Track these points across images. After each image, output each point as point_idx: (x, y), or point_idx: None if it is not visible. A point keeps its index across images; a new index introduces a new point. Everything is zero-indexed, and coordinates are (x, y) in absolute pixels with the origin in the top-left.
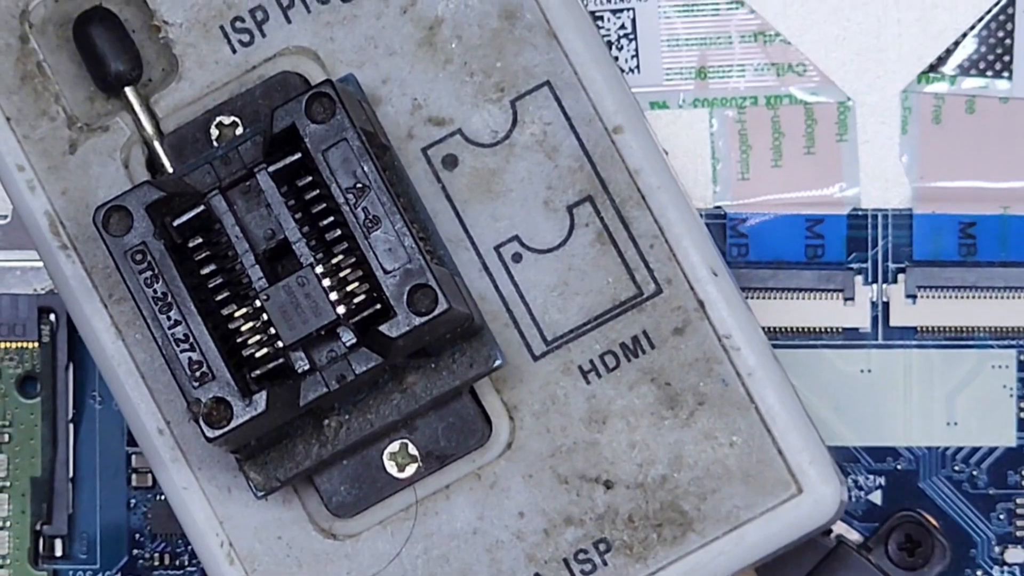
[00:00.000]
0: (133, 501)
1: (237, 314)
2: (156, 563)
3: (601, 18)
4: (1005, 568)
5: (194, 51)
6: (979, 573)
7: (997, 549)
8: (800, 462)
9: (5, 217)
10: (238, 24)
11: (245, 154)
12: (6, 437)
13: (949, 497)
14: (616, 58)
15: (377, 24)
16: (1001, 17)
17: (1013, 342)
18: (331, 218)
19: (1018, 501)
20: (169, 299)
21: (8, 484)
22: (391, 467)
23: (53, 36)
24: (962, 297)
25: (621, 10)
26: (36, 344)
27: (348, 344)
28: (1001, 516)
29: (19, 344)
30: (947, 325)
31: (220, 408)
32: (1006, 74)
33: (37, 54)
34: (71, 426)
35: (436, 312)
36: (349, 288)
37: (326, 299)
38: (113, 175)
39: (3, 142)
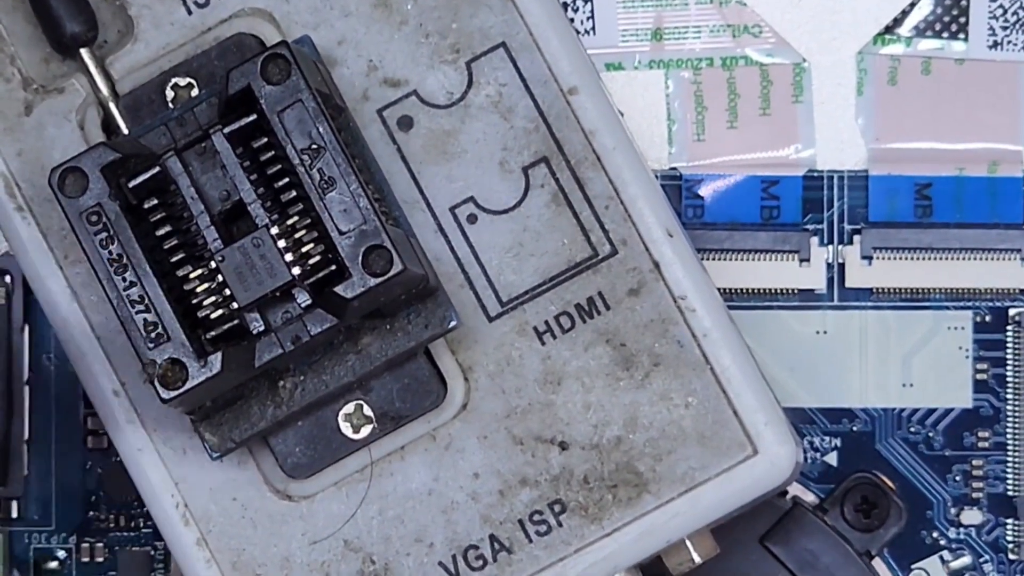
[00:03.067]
0: (89, 463)
1: (192, 275)
2: (111, 525)
3: None
4: (961, 529)
5: (149, 12)
6: (935, 534)
7: (953, 511)
8: (756, 423)
9: None
10: None
11: (200, 116)
12: None
13: (905, 459)
14: (571, 19)
15: None
16: None
17: (969, 303)
18: (286, 179)
19: (974, 463)
20: (124, 260)
21: None
22: (346, 428)
23: None
24: (918, 259)
25: None
26: None
27: (303, 305)
28: (957, 478)
29: None
30: (903, 287)
31: (175, 369)
32: (962, 36)
33: None
34: (27, 388)
35: (391, 273)
36: (304, 249)
37: (281, 260)
38: (69, 136)
39: None
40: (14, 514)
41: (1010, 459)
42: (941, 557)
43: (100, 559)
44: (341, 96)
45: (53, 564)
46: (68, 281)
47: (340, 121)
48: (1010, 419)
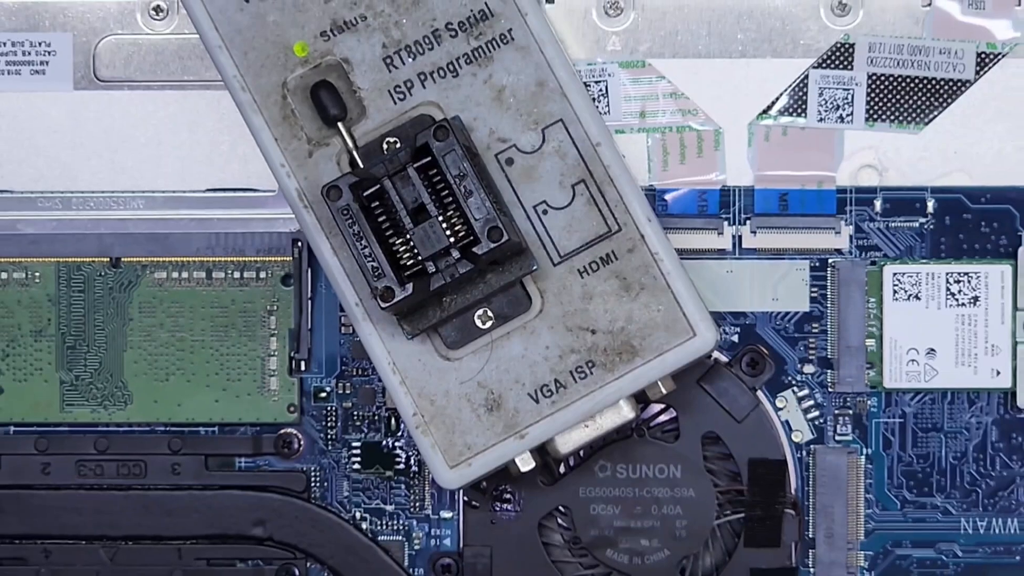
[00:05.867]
0: (343, 341)
1: (397, 242)
2: (354, 372)
3: (589, 85)
4: (803, 376)
5: (374, 103)
6: (789, 378)
7: (799, 365)
8: (695, 320)
9: (274, 190)
10: (398, 89)
11: (401, 158)
12: (276, 307)
13: (773, 338)
14: (597, 106)
15: (471, 90)
16: (802, 83)
17: (807, 257)
18: (446, 191)
19: (810, 340)
20: (360, 234)
21: (277, 332)
22: (479, 323)
23: (299, 95)
24: (780, 233)
25: (601, 81)
26: (291, 258)
27: (456, 258)
28: (800, 348)
29: (282, 258)
30: (772, 247)
31: (388, 292)
32: (804, 115)
33: (291, 105)
34: (309, 301)
35: (501, 241)
36: (456, 228)
37: (443, 234)
38: (332, 169)
39: (274, 152)
40: (303, 368)
41: (828, 340)
42: (793, 391)
43: (348, 391)
44: (475, 147)
45: (323, 394)
46: (331, 244)
47: (475, 160)
48: (829, 318)
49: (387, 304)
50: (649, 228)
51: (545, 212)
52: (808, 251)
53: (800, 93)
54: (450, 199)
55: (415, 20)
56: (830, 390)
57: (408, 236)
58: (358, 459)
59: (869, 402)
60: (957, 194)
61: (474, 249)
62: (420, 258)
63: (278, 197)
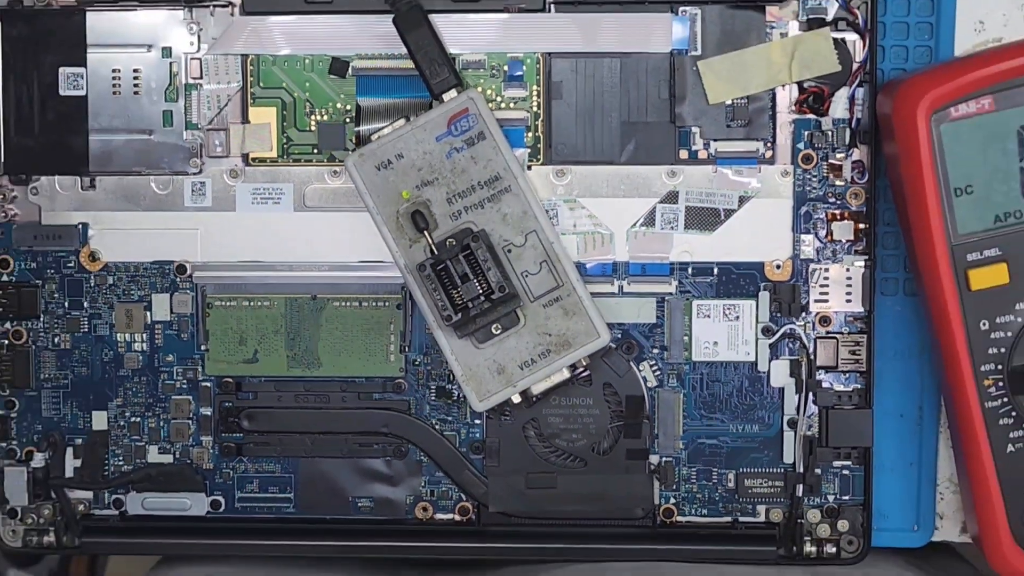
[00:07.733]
0: (426, 337)
1: (453, 292)
2: (433, 352)
3: (548, 211)
4: (653, 354)
5: (442, 221)
6: (646, 356)
7: (651, 349)
8: (600, 328)
9: (391, 262)
10: (453, 215)
11: (456, 250)
12: (393, 320)
13: (638, 336)
14: (552, 222)
15: (490, 215)
16: (652, 211)
17: (654, 296)
18: (478, 268)
19: (656, 337)
20: (435, 288)
21: (393, 332)
22: (494, 331)
23: (406, 217)
24: (642, 284)
25: (553, 209)
26: (399, 295)
27: (482, 301)
28: (651, 340)
29: (396, 295)
30: (638, 291)
31: (448, 317)
32: (654, 226)
33: (401, 222)
34: (410, 318)
35: (506, 292)
36: (482, 286)
37: (477, 289)
38: (421, 254)
39: (392, 245)
40: (407, 350)
41: (665, 336)
42: (647, 361)
43: (428, 361)
44: (493, 245)
45: (417, 362)
46: (420, 292)
47: (492, 252)
48: (665, 325)
49: (448, 323)
50: (577, 284)
51: (526, 276)
52: (655, 293)
53: (651, 215)
54: (479, 272)
55: (462, 180)
56: (666, 361)
57: (459, 289)
58: (434, 394)
59: (685, 367)
60: (728, 265)
61: (492, 296)
62: (465, 300)
63: (394, 266)
